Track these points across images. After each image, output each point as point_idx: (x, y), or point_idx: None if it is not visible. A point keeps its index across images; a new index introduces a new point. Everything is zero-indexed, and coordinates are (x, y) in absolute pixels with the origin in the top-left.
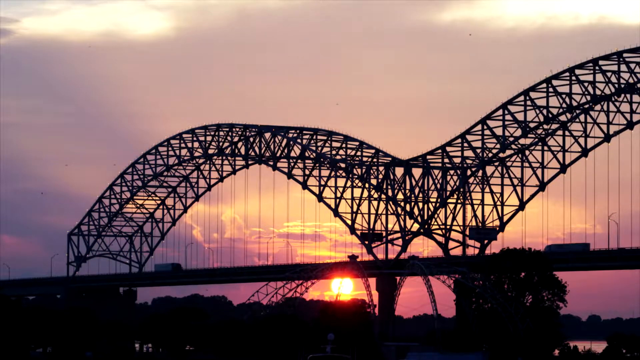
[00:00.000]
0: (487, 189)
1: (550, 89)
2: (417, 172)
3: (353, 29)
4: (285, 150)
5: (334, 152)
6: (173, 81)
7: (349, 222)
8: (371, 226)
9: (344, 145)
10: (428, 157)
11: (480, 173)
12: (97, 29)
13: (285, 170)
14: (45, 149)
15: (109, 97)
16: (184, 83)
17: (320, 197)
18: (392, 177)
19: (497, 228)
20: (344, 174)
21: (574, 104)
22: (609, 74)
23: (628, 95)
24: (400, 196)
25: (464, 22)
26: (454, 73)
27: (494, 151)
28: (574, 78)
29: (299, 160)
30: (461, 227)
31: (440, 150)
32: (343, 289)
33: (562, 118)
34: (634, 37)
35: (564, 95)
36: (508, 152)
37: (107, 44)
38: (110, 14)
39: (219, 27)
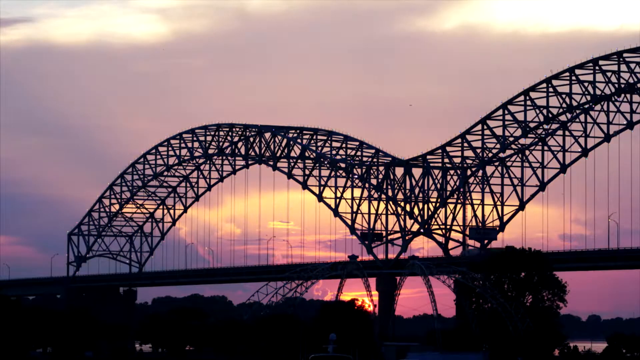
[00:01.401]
0: (487, 189)
1: (550, 89)
2: (417, 172)
3: (353, 33)
4: (285, 150)
5: (334, 152)
6: (173, 81)
7: (349, 222)
8: (371, 226)
9: (344, 145)
10: (428, 157)
11: (480, 173)
12: (94, 32)
13: (285, 170)
14: (45, 150)
15: (107, 97)
16: (183, 83)
17: (320, 197)
18: (392, 177)
19: (497, 228)
20: (344, 174)
21: (574, 104)
22: (609, 74)
23: (628, 95)
24: (400, 196)
25: (459, 27)
26: (453, 74)
27: (494, 151)
28: (574, 78)
29: (299, 160)
30: (461, 227)
31: (440, 150)
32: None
33: (562, 118)
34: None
35: (564, 95)
36: (508, 152)
37: (104, 46)
38: (106, 18)
39: (218, 28)
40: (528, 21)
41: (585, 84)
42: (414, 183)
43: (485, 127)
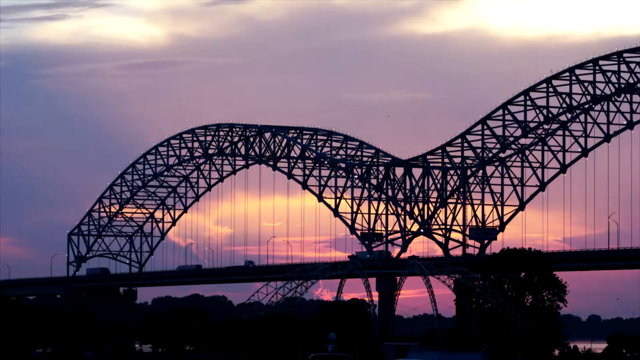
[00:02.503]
0: (487, 189)
1: (550, 89)
2: (417, 172)
3: (354, 34)
4: (285, 150)
5: (334, 152)
6: (173, 82)
7: (349, 222)
8: (371, 226)
9: (344, 145)
10: (428, 157)
11: (480, 173)
12: (91, 34)
13: (285, 170)
14: (44, 150)
15: (106, 98)
16: (183, 83)
17: (320, 197)
18: (392, 177)
19: (497, 228)
20: (344, 174)
21: (574, 104)
22: (609, 74)
23: (628, 95)
24: (400, 196)
25: (457, 29)
26: (453, 74)
27: (494, 151)
28: (574, 78)
29: (299, 160)
30: (461, 227)
31: (440, 150)
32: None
33: (562, 118)
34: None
35: (564, 95)
36: (508, 152)
37: (104, 48)
38: (103, 21)
39: (217, 28)
40: (511, 25)
41: (585, 84)
42: (414, 183)
43: (485, 127)
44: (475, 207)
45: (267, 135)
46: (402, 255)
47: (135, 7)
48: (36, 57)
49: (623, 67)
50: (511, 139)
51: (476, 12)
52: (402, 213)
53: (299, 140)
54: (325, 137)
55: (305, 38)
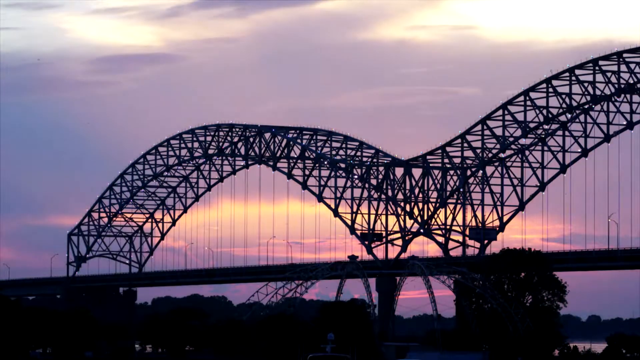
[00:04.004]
0: (487, 189)
1: (550, 89)
2: (417, 172)
3: (354, 34)
4: (285, 151)
5: (334, 152)
6: (172, 82)
7: (349, 222)
8: (371, 226)
9: (344, 145)
10: (428, 157)
11: (480, 173)
12: (94, 35)
13: (285, 170)
14: (44, 150)
15: (105, 98)
16: (183, 83)
17: (320, 197)
18: (392, 177)
19: (497, 228)
20: (344, 174)
21: (574, 104)
22: (609, 74)
23: (628, 95)
24: (400, 196)
25: (455, 31)
26: (452, 74)
27: (494, 151)
28: (573, 78)
29: (299, 161)
30: (461, 228)
31: (440, 150)
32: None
33: (562, 118)
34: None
35: (564, 95)
36: (508, 152)
37: (104, 49)
38: (103, 23)
39: (216, 29)
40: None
41: (585, 84)
42: (413, 183)
43: (485, 127)
44: (475, 207)
45: (267, 135)
46: (402, 256)
47: (135, 8)
48: (33, 57)
49: (623, 67)
50: (511, 139)
51: (471, 14)
52: (402, 213)
53: (298, 141)
54: (325, 137)
55: (307, 38)
